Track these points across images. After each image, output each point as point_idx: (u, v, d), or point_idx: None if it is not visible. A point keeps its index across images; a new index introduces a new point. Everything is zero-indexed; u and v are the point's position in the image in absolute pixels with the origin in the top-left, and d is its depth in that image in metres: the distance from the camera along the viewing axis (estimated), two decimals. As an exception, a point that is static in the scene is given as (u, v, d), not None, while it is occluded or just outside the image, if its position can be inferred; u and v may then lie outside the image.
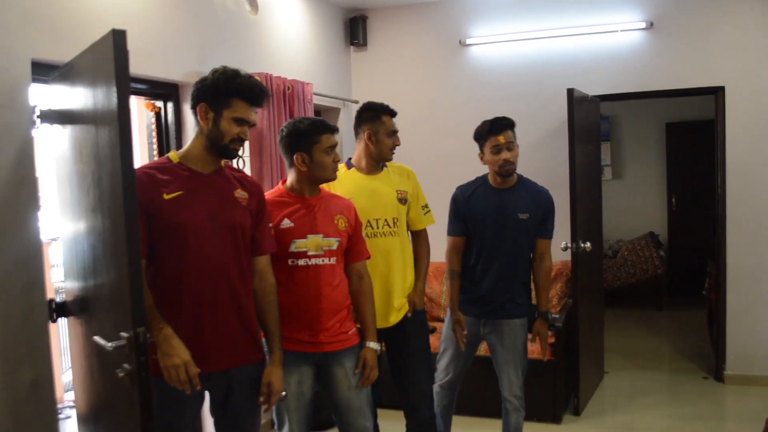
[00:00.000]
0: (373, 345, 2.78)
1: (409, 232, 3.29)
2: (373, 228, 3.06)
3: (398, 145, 3.18)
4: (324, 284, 2.66)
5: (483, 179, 3.46)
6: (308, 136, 2.66)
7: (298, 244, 2.62)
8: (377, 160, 3.16)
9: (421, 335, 3.25)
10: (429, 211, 3.35)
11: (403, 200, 3.18)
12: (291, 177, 2.74)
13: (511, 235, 3.34)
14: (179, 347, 2.14)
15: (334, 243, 2.69)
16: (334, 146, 2.71)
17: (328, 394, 2.76)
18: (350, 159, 3.23)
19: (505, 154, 3.28)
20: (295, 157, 2.67)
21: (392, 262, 3.10)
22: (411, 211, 3.24)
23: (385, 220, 3.09)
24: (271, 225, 2.54)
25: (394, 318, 3.11)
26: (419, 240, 3.32)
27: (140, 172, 2.23)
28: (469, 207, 3.40)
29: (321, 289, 2.65)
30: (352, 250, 2.80)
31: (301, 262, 2.63)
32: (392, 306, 3.10)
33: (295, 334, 2.63)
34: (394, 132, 3.16)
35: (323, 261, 2.66)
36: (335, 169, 2.76)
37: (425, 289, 3.39)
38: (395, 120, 3.18)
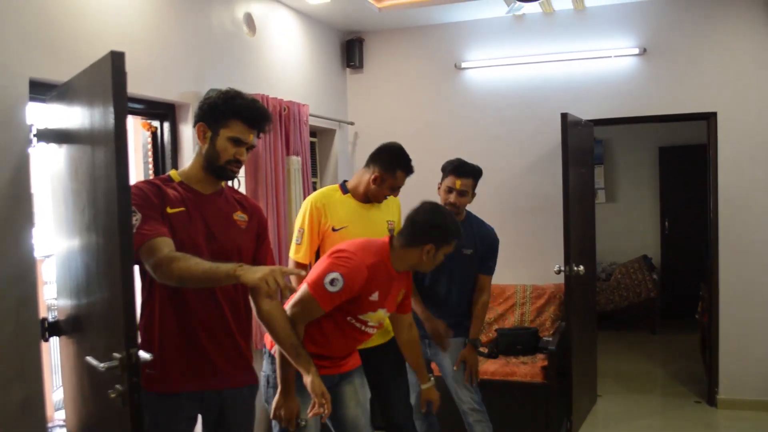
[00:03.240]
0: (430, 383, 3.04)
1: None
2: None
3: (395, 196, 3.24)
4: (362, 341, 2.74)
5: None
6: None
7: (368, 315, 2.62)
8: (371, 199, 3.16)
9: (400, 355, 3.25)
10: None
11: (391, 230, 3.21)
12: (408, 257, 2.67)
13: (456, 268, 3.45)
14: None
15: (386, 317, 2.73)
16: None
17: (335, 414, 2.74)
18: (345, 182, 3.21)
19: (452, 198, 3.43)
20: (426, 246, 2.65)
21: None
22: None
23: None
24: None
25: (381, 340, 3.11)
26: None
27: (147, 182, 2.27)
28: None
29: (358, 343, 2.74)
30: (403, 303, 2.85)
31: (358, 325, 2.63)
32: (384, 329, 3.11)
33: (318, 362, 2.59)
34: (398, 188, 3.15)
35: (373, 330, 2.71)
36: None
37: None
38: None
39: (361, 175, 3.15)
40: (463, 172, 3.43)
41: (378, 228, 3.12)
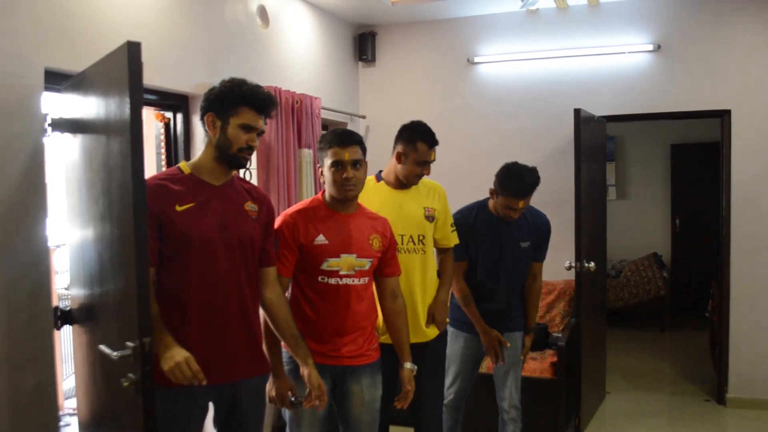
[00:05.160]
0: (409, 366, 2.79)
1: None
2: (397, 243, 2.91)
3: (427, 174, 3.07)
4: (353, 303, 2.63)
5: (482, 205, 3.50)
6: (320, 149, 2.66)
7: (331, 263, 2.58)
8: (403, 180, 3.07)
9: (441, 355, 3.22)
10: (455, 230, 3.26)
11: (430, 218, 3.09)
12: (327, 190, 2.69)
13: (513, 260, 3.46)
14: (178, 349, 2.11)
15: (366, 264, 2.65)
16: (341, 161, 2.56)
17: (340, 410, 2.74)
18: (380, 171, 3.15)
19: (516, 214, 3.34)
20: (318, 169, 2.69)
21: (413, 280, 3.02)
22: (439, 230, 3.16)
23: (411, 236, 3.01)
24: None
25: (419, 338, 3.02)
26: (446, 257, 3.26)
27: (153, 183, 2.24)
28: (474, 233, 3.43)
29: (349, 308, 2.62)
30: (386, 266, 2.76)
31: (332, 281, 2.59)
32: (418, 325, 3.03)
33: (317, 347, 2.60)
34: (426, 162, 3.03)
35: (354, 281, 2.62)
36: (344, 187, 2.57)
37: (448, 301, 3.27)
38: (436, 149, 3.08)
39: (390, 161, 3.10)
40: (523, 192, 3.27)
41: (411, 212, 3.04)
